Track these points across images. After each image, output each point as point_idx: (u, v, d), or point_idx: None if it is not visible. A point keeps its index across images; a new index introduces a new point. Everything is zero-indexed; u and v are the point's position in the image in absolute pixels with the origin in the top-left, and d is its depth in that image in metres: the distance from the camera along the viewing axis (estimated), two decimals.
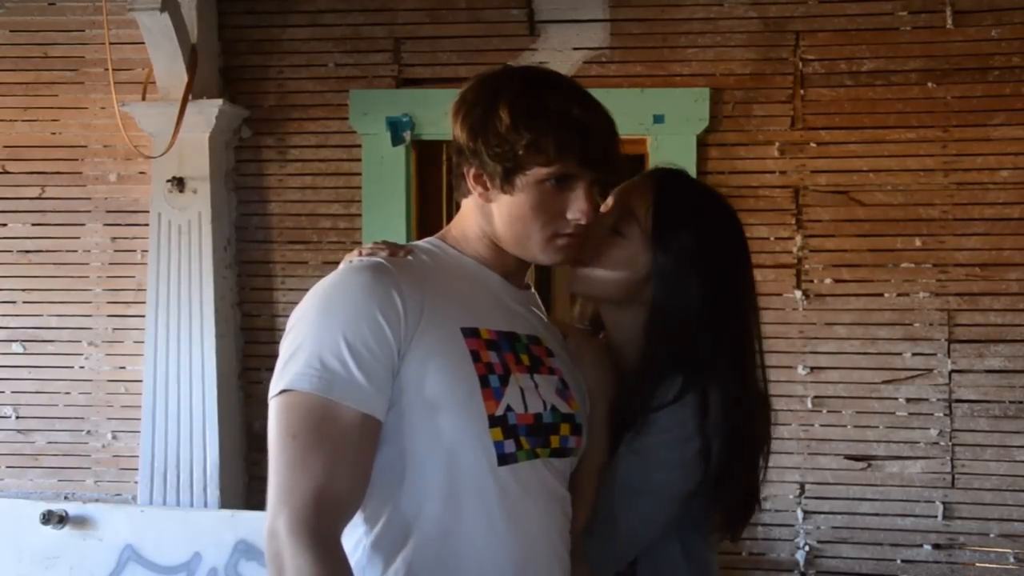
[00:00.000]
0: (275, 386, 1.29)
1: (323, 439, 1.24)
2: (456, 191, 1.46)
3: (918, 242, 3.55)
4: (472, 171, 1.39)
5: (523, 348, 1.42)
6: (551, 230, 1.38)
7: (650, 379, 1.50)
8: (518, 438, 1.34)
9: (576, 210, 1.37)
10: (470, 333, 1.35)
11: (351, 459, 1.26)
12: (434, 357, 1.30)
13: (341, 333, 1.27)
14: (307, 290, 1.36)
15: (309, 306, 1.32)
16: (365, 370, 1.26)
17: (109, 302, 3.81)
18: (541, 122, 1.33)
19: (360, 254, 1.40)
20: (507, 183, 1.36)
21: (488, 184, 1.38)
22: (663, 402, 1.47)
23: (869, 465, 3.56)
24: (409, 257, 1.40)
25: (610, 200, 1.57)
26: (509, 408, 1.34)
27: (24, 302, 3.84)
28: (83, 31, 3.83)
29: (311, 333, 1.28)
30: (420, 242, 1.48)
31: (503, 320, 1.42)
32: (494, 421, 1.32)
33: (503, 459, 1.32)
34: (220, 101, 3.61)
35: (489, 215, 1.41)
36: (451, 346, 1.32)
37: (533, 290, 1.55)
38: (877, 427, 3.56)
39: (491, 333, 1.38)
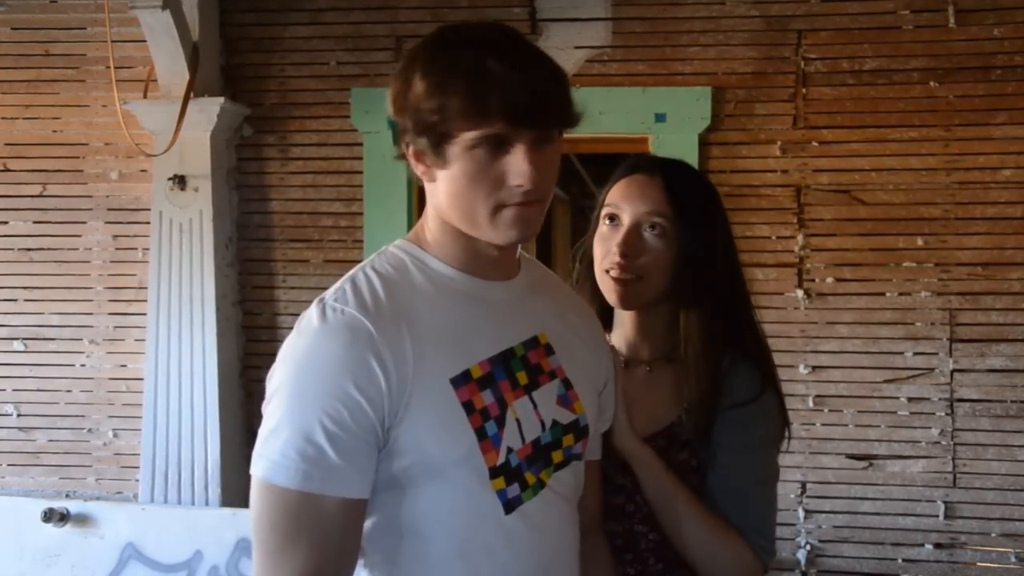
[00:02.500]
0: (254, 466, 1.21)
1: (303, 529, 1.19)
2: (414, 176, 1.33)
3: (920, 241, 3.54)
4: (411, 150, 1.26)
5: (519, 364, 1.32)
6: (494, 201, 1.22)
7: (717, 372, 1.56)
8: (522, 476, 1.29)
9: (517, 174, 1.20)
10: (460, 380, 1.25)
11: (334, 545, 1.20)
12: (426, 421, 1.22)
13: (316, 417, 1.17)
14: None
15: (284, 377, 1.21)
16: (343, 452, 1.18)
17: (110, 300, 3.81)
18: (453, 82, 1.18)
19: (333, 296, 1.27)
20: (439, 156, 1.22)
21: (426, 161, 1.25)
22: (748, 397, 1.55)
23: (871, 464, 3.56)
24: (377, 287, 1.26)
25: (625, 209, 1.59)
26: (510, 450, 1.27)
27: (25, 300, 3.85)
28: (84, 29, 3.83)
29: (285, 413, 1.19)
30: (392, 249, 1.34)
31: (495, 338, 1.31)
32: (495, 472, 1.25)
33: (508, 506, 1.27)
34: (222, 99, 3.60)
35: (437, 195, 1.28)
36: (442, 404, 1.23)
37: (527, 257, 1.42)
38: (879, 426, 3.56)
39: (483, 366, 1.28)
